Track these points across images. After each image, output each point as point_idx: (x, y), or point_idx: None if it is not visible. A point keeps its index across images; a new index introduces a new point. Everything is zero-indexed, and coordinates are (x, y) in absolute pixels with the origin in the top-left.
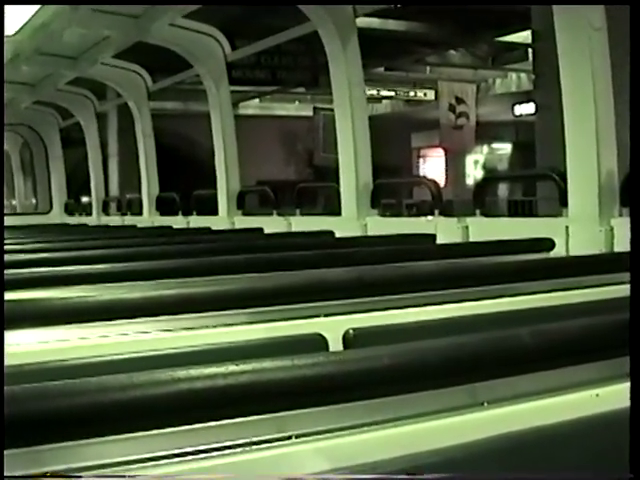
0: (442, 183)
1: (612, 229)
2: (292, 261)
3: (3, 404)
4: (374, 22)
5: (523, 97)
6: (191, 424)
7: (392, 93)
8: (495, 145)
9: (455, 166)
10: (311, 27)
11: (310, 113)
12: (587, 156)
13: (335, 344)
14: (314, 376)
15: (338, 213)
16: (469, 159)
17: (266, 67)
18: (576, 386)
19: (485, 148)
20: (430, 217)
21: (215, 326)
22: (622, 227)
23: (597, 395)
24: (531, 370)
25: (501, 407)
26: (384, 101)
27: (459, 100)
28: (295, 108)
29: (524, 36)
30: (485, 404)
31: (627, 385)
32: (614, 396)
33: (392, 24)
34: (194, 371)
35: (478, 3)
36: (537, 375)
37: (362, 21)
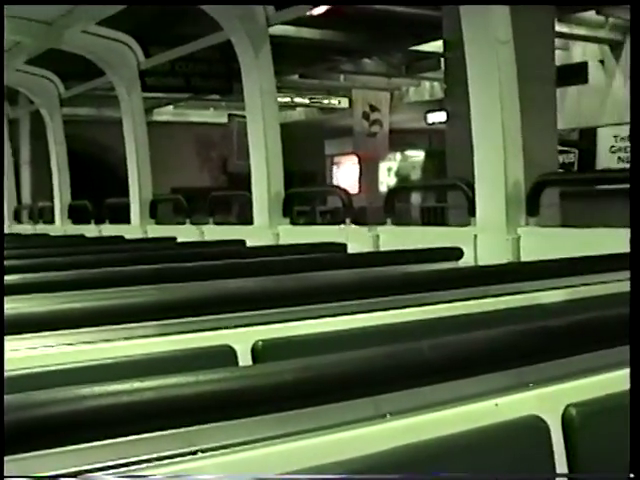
0: (356, 190)
1: (519, 238)
2: (203, 271)
3: (3, 404)
4: (289, 30)
5: (436, 105)
6: (95, 441)
7: (306, 100)
8: (409, 152)
9: (369, 173)
10: (225, 36)
11: (225, 120)
12: (494, 166)
13: (244, 356)
14: (218, 391)
15: (251, 222)
16: (383, 166)
17: (180, 74)
18: (476, 396)
19: (399, 155)
20: (342, 226)
21: (122, 339)
22: (528, 236)
23: (496, 405)
24: (433, 382)
25: (403, 418)
26: (298, 108)
27: (373, 108)
28: (210, 115)
29: (437, 45)
30: (388, 416)
31: (526, 394)
32: (513, 405)
33: (306, 32)
34: (98, 388)
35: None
36: (438, 386)
37: (276, 29)
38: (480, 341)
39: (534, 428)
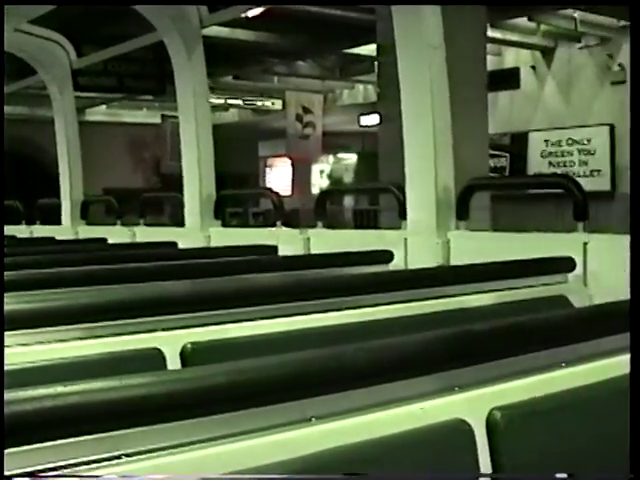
0: (288, 192)
1: (449, 241)
2: (133, 273)
3: (3, 404)
4: (223, 31)
5: (369, 108)
6: (17, 446)
7: (240, 102)
8: (341, 155)
9: (302, 175)
10: (158, 36)
11: (159, 120)
12: (425, 170)
13: (173, 359)
14: (142, 396)
15: (183, 224)
16: (315, 168)
17: (113, 74)
18: (402, 400)
19: (331, 158)
20: (273, 228)
21: (51, 341)
22: (458, 240)
23: (422, 409)
24: (359, 386)
25: (329, 422)
26: (232, 110)
27: (306, 110)
28: (143, 115)
29: (371, 49)
30: (312, 419)
31: (451, 398)
32: (438, 409)
33: (241, 33)
34: (22, 393)
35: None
36: (365, 390)
37: (210, 30)
38: (406, 345)
39: (459, 431)
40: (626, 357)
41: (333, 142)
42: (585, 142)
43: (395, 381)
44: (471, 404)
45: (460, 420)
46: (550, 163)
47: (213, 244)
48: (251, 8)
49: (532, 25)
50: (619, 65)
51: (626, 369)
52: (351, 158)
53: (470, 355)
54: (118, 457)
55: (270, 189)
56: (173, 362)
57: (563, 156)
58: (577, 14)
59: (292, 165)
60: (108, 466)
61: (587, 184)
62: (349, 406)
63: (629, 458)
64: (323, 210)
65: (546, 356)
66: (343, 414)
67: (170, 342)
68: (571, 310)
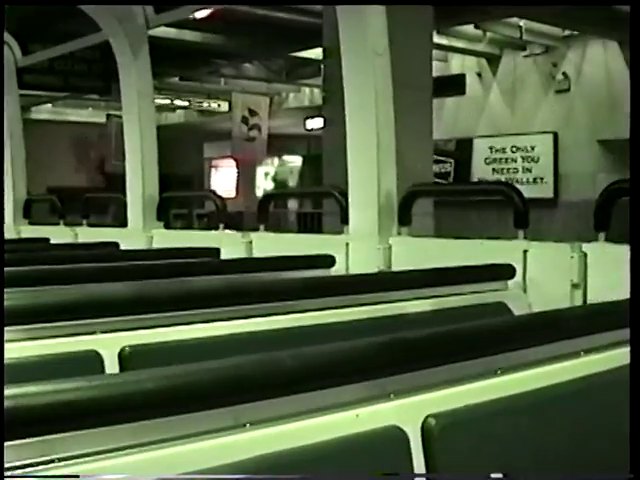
0: (233, 194)
1: (390, 247)
2: (74, 274)
3: (3, 404)
4: (170, 32)
5: (315, 111)
6: None
7: (186, 103)
8: (287, 158)
9: (246, 178)
10: (104, 36)
11: (104, 120)
12: (368, 175)
13: (111, 362)
14: (75, 400)
15: (126, 224)
16: (260, 171)
17: (59, 73)
18: (337, 407)
19: (277, 160)
20: (215, 231)
21: None
22: (400, 245)
23: (357, 415)
24: (294, 392)
25: (264, 428)
26: (178, 111)
27: (252, 112)
28: (88, 114)
29: (318, 52)
30: (247, 425)
31: (386, 405)
32: (373, 416)
33: (188, 34)
34: None
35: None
36: (300, 396)
37: (157, 30)
38: (342, 352)
39: (393, 438)
40: (560, 365)
41: (279, 145)
42: (529, 149)
43: (330, 387)
44: (406, 411)
45: (395, 427)
46: (494, 169)
47: (155, 246)
48: (198, 10)
49: (478, 32)
50: (563, 74)
51: (561, 377)
52: (296, 161)
53: (406, 362)
54: (50, 461)
55: (213, 192)
56: (111, 365)
57: (507, 163)
58: (523, 22)
59: (237, 167)
60: (40, 470)
61: (531, 191)
62: (284, 412)
63: (631, 459)
64: (266, 213)
65: (482, 363)
66: (278, 420)
67: (108, 345)
68: (506, 318)
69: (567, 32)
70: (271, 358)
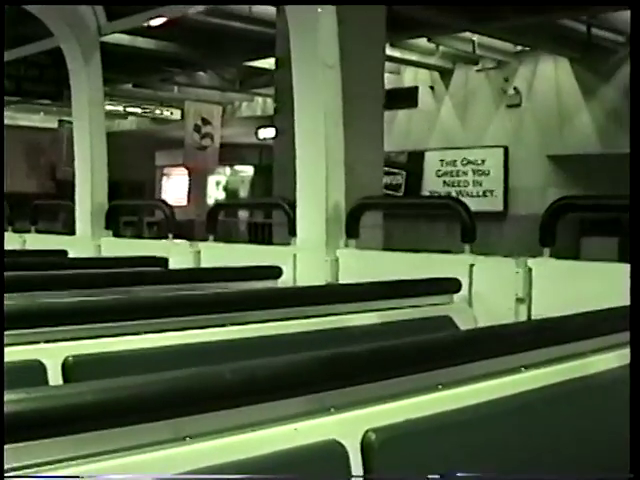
0: (184, 202)
1: (337, 259)
2: (17, 282)
3: (3, 405)
4: (124, 39)
5: (268, 121)
6: None
7: (139, 110)
8: (238, 167)
9: (198, 186)
10: (56, 42)
11: (56, 125)
12: (316, 187)
13: (54, 372)
14: (13, 413)
15: (74, 232)
16: (211, 180)
17: (11, 77)
18: (276, 420)
19: (228, 170)
20: (164, 240)
21: None
22: (347, 258)
23: (296, 430)
24: (234, 405)
25: (204, 441)
26: (130, 117)
27: (205, 121)
28: (40, 119)
29: (271, 62)
30: (187, 439)
31: (326, 419)
32: (313, 430)
33: (141, 42)
34: None
35: None
36: (240, 410)
37: (111, 37)
38: (282, 365)
39: (333, 452)
40: (501, 380)
41: (231, 154)
42: (479, 163)
43: (270, 401)
44: (346, 425)
45: (334, 441)
46: (445, 182)
47: (104, 254)
48: (152, 18)
49: (431, 46)
50: (514, 89)
51: (501, 392)
52: (248, 171)
53: (346, 377)
54: None
55: (163, 201)
56: (55, 375)
57: (458, 176)
58: (475, 37)
59: (189, 175)
60: None
61: (481, 204)
62: (224, 426)
63: (631, 459)
64: (214, 223)
65: (423, 378)
66: (217, 434)
67: (52, 355)
68: (448, 333)
69: (519, 48)
70: (211, 371)
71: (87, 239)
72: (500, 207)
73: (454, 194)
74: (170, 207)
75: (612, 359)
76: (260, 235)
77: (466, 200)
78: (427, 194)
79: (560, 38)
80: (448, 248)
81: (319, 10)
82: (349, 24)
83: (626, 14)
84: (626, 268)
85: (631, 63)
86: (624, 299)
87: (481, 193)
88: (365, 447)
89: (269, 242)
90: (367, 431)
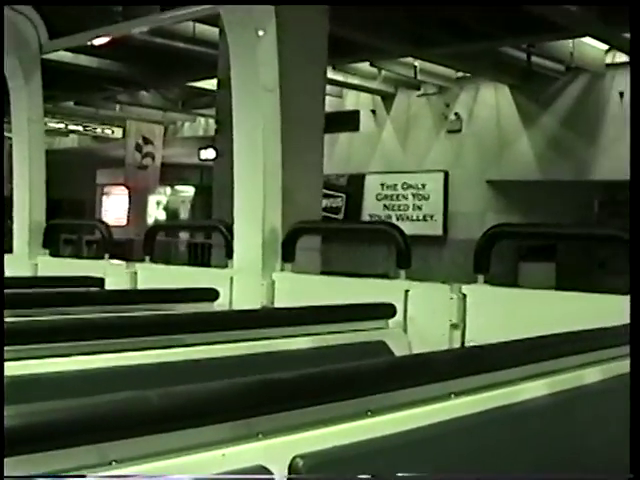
0: (124, 222)
1: (274, 283)
2: None
3: (3, 406)
4: (66, 56)
5: (209, 142)
6: None
7: (80, 128)
8: (179, 187)
9: (138, 206)
10: None
11: None
12: (253, 210)
13: None
14: None
15: (11, 250)
16: (152, 199)
17: None
18: (203, 446)
19: (169, 190)
20: (101, 261)
21: None
22: (283, 282)
23: (223, 455)
24: (161, 430)
25: (130, 466)
26: (72, 135)
27: (146, 140)
28: None
29: (214, 83)
30: (113, 463)
31: (253, 445)
32: (240, 456)
33: (84, 60)
34: None
35: None
36: (166, 435)
37: (54, 54)
38: (211, 390)
39: (260, 478)
40: (431, 407)
41: (172, 174)
42: (420, 187)
43: (198, 426)
44: (273, 451)
45: (261, 467)
46: (385, 206)
47: (41, 274)
48: (96, 37)
49: (373, 70)
50: (455, 114)
51: (431, 419)
52: (189, 191)
53: (275, 402)
54: None
55: (100, 220)
56: None
57: (398, 200)
58: (417, 62)
59: (129, 195)
60: None
61: (420, 228)
62: (150, 450)
63: (629, 459)
64: (152, 244)
65: (353, 404)
66: (144, 459)
67: None
68: (378, 359)
69: (460, 74)
70: (138, 396)
71: (24, 258)
72: (439, 231)
73: (394, 218)
74: (108, 227)
75: (540, 386)
76: (200, 255)
77: (406, 224)
78: (367, 217)
79: (500, 65)
80: (387, 271)
81: (260, 33)
82: (290, 48)
83: (566, 43)
84: (559, 295)
85: (631, 64)
86: (557, 326)
87: (421, 217)
88: (292, 473)
89: (209, 263)
90: (295, 457)
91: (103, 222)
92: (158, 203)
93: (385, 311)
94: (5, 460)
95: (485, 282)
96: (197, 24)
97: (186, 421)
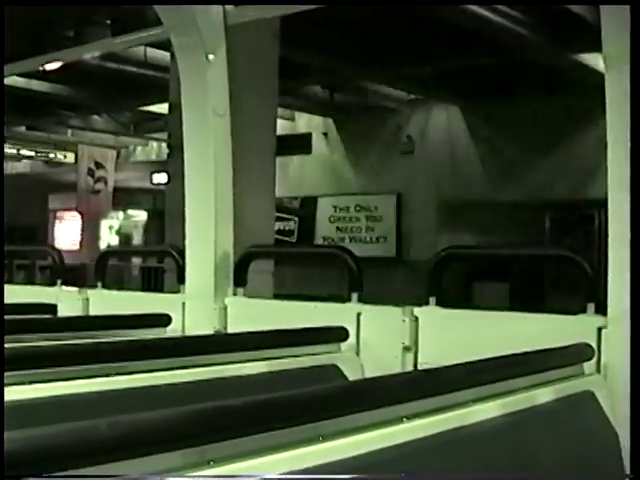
0: (77, 246)
1: (226, 308)
2: None
3: (3, 407)
4: (18, 81)
5: (162, 166)
6: None
7: (32, 153)
8: (132, 211)
9: (91, 230)
10: None
11: None
12: (204, 234)
13: None
14: None
15: None
16: (105, 224)
17: None
18: (154, 475)
19: (121, 214)
20: (52, 288)
21: None
22: (236, 306)
23: None
24: (108, 460)
25: None
26: (24, 160)
27: (98, 165)
28: None
29: (165, 107)
30: None
31: (205, 472)
32: None
33: (36, 84)
34: None
35: None
36: (114, 465)
37: (6, 80)
38: (161, 418)
39: None
40: (382, 431)
41: (125, 198)
42: (372, 209)
43: (148, 455)
44: (224, 479)
45: None
46: (338, 228)
47: None
48: (48, 62)
49: (325, 93)
50: (407, 136)
51: (382, 443)
52: (142, 215)
53: (227, 429)
54: None
55: (52, 246)
56: None
57: (351, 221)
58: (369, 85)
59: (82, 219)
60: None
61: (374, 250)
62: None
63: (631, 459)
64: (104, 270)
65: (305, 430)
66: None
67: None
68: (330, 384)
69: (412, 96)
70: (87, 425)
71: None
72: (393, 253)
73: (347, 240)
74: (59, 253)
75: (493, 408)
76: (153, 280)
77: (359, 246)
78: (321, 239)
79: (451, 86)
80: (342, 292)
81: (210, 57)
82: (241, 71)
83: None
84: (511, 315)
85: (631, 64)
86: (510, 346)
87: (374, 239)
88: None
89: (161, 287)
90: None
91: (55, 248)
92: (111, 227)
93: (337, 334)
94: None
95: (437, 304)
96: (148, 48)
97: (137, 449)
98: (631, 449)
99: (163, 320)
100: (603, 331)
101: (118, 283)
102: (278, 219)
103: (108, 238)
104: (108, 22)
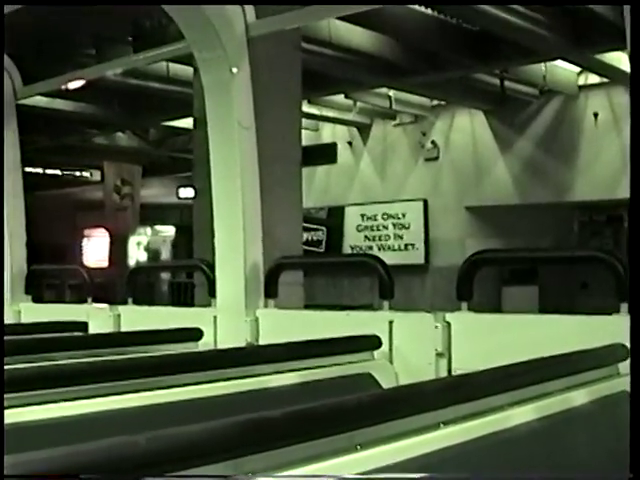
0: (106, 264)
1: (257, 320)
2: None
3: (3, 408)
4: (42, 101)
5: (189, 180)
6: None
7: (58, 172)
8: (159, 227)
9: (119, 247)
10: None
11: None
12: (234, 247)
13: None
14: None
15: None
16: (132, 240)
17: None
18: None
19: (149, 230)
20: (83, 305)
21: None
22: (267, 318)
23: None
24: (149, 474)
25: None
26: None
27: (125, 182)
28: None
29: (190, 122)
30: None
31: None
32: None
33: (60, 103)
34: None
35: None
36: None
37: (29, 100)
38: (200, 431)
39: None
40: (421, 438)
41: (151, 214)
42: (400, 216)
43: (188, 468)
44: None
45: None
46: (366, 237)
47: (24, 320)
48: (70, 81)
49: (348, 102)
50: (432, 142)
51: (420, 450)
52: (169, 230)
53: (263, 441)
54: None
55: (82, 264)
56: None
57: (379, 230)
58: (392, 92)
59: (110, 236)
60: None
61: (402, 258)
62: None
63: (631, 459)
64: (134, 286)
65: (341, 439)
66: None
67: None
68: (366, 393)
69: (435, 102)
70: (126, 440)
71: (6, 305)
72: (421, 260)
73: (376, 248)
74: (89, 271)
75: (529, 411)
76: (182, 295)
77: (388, 254)
78: (349, 249)
79: (474, 91)
80: (373, 301)
81: (234, 70)
82: (265, 84)
83: (539, 67)
84: (542, 318)
85: (631, 64)
86: (542, 349)
87: (402, 246)
88: None
89: (192, 302)
90: None
91: (84, 266)
92: (139, 243)
93: (370, 343)
94: None
95: (469, 309)
96: (171, 64)
97: (175, 464)
98: (631, 449)
99: (195, 334)
100: None
101: (148, 300)
102: (306, 229)
103: (136, 254)
104: (130, 39)
